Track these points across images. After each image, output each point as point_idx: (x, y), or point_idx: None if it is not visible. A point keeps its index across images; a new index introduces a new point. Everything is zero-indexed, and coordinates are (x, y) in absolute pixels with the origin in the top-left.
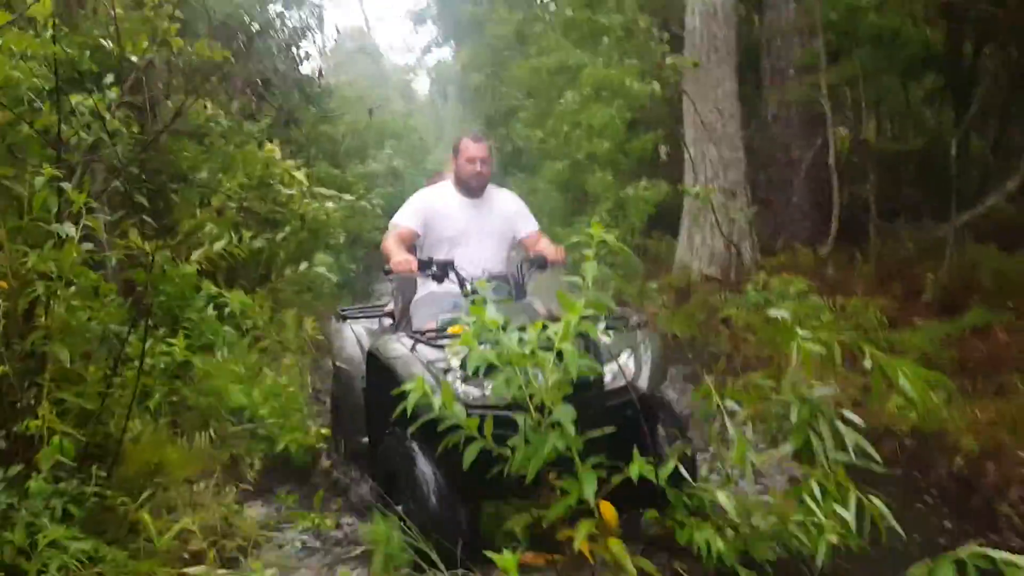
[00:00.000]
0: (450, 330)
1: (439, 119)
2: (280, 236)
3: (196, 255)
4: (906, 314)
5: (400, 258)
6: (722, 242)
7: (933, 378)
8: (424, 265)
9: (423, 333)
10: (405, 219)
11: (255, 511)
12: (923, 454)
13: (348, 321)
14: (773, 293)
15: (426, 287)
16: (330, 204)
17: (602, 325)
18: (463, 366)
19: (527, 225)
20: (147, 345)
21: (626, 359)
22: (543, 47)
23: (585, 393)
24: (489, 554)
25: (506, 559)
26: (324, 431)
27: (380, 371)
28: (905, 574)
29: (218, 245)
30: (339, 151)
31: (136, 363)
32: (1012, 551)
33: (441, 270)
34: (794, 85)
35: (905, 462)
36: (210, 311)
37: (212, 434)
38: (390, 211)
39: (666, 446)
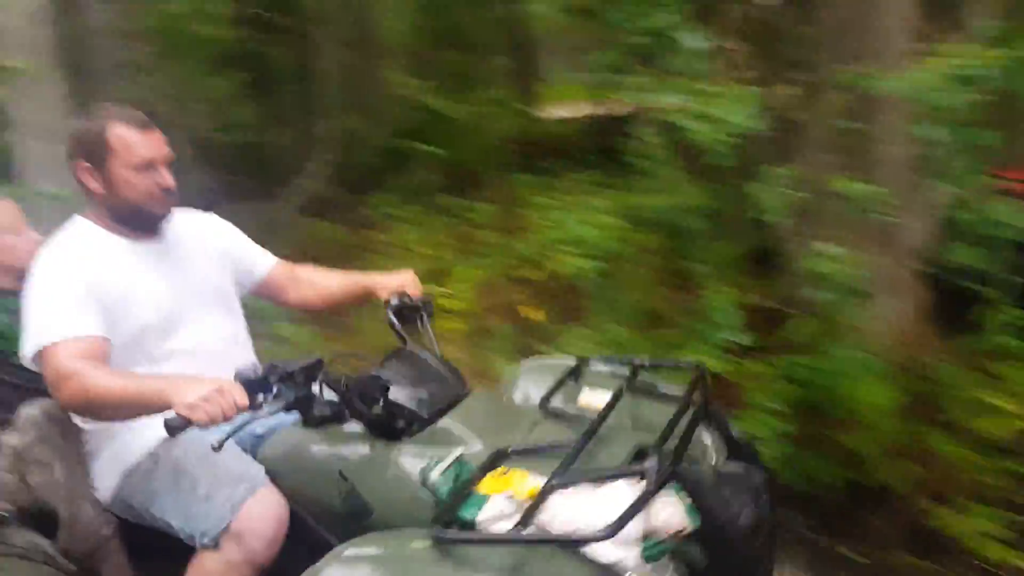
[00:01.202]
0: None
1: None
2: None
3: None
4: None
5: (193, 397)
6: None
7: None
8: (259, 389)
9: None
10: (77, 324)
11: None
12: None
13: None
14: None
15: (116, 435)
16: None
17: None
18: None
19: (261, 258)
20: None
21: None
22: None
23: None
24: None
25: None
26: None
27: None
28: None
29: None
30: None
31: None
32: None
33: (304, 396)
34: (125, 85)
35: None
36: None
37: None
38: None
39: None
